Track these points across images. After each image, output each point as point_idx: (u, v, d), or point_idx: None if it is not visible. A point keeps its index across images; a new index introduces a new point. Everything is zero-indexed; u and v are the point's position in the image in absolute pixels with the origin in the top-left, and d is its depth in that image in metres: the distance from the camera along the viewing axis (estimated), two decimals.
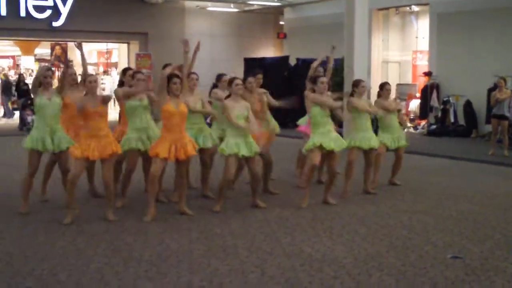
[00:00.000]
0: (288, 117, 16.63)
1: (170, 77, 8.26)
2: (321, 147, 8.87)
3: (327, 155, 9.07)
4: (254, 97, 9.57)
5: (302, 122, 10.81)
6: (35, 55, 32.41)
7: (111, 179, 8.20)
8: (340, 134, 9.88)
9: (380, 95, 10.45)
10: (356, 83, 9.95)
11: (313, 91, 9.15)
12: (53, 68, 23.11)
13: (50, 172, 9.30)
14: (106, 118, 8.13)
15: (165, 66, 9.01)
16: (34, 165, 8.50)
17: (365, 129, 9.79)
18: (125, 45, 26.28)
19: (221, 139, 9.21)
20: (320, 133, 8.92)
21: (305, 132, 10.11)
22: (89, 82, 8.14)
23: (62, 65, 27.37)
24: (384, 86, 10.49)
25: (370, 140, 9.78)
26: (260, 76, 9.95)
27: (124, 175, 8.98)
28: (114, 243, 7.10)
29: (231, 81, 8.87)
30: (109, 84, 27.50)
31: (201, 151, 9.27)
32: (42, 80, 8.59)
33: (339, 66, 18.25)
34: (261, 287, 5.78)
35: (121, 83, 9.65)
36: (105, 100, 8.13)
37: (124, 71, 9.86)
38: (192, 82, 9.26)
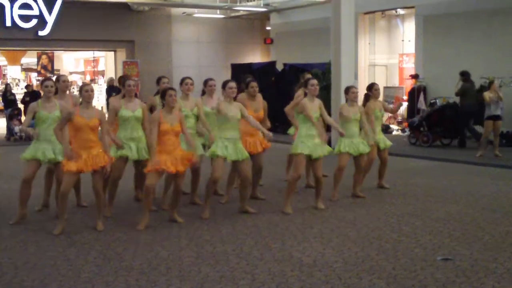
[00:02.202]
0: (277, 122, 16.67)
1: (165, 91, 8.21)
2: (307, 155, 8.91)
3: (312, 161, 9.10)
4: (258, 102, 9.62)
5: (292, 131, 10.81)
6: (21, 65, 32.31)
7: (102, 188, 8.17)
8: (329, 139, 9.92)
9: (369, 96, 10.45)
10: (347, 90, 9.96)
11: (305, 94, 9.21)
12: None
13: (51, 180, 9.22)
14: (97, 131, 8.03)
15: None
16: (27, 172, 8.40)
17: (353, 135, 9.79)
18: (112, 53, 26.27)
19: (203, 146, 9.29)
20: (305, 136, 8.94)
21: None
22: (85, 91, 7.96)
23: (49, 74, 27.32)
24: (372, 87, 10.51)
25: (359, 146, 9.79)
26: (254, 84, 9.88)
27: (110, 184, 8.93)
28: (104, 252, 7.08)
29: (224, 84, 8.85)
30: (96, 92, 27.44)
31: None
32: (44, 90, 8.55)
33: (326, 70, 18.33)
34: None
35: (118, 91, 9.65)
36: (101, 117, 8.03)
37: (120, 80, 9.86)
38: (186, 87, 9.27)
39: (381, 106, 10.52)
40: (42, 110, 8.44)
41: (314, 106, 9.07)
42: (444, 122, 17.12)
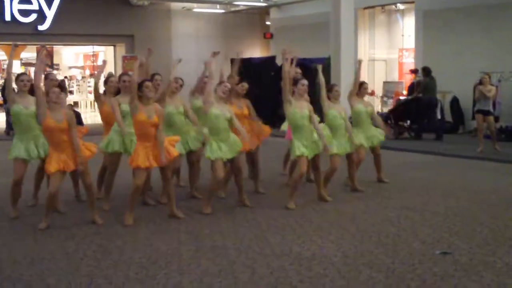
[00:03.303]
0: (276, 116, 16.64)
1: (142, 82, 8.10)
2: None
3: (312, 158, 9.09)
4: (243, 101, 9.65)
5: (285, 127, 10.74)
6: (21, 59, 32.27)
7: (91, 181, 8.09)
8: None
9: (357, 94, 10.41)
10: (330, 88, 9.81)
11: (293, 92, 9.14)
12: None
13: (41, 178, 9.21)
14: (68, 133, 7.75)
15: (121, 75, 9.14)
16: (19, 173, 8.39)
17: (339, 135, 9.62)
18: (111, 48, 26.23)
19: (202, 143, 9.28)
20: (300, 138, 8.91)
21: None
22: (52, 93, 7.77)
23: (48, 69, 27.28)
24: (362, 86, 10.49)
25: (346, 146, 9.65)
26: (245, 85, 9.91)
27: (107, 178, 8.94)
28: (104, 246, 7.09)
29: (219, 84, 8.85)
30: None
31: (188, 152, 9.32)
32: (18, 85, 8.47)
33: (325, 65, 18.30)
34: (251, 287, 5.79)
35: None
36: (70, 119, 7.78)
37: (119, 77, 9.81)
38: (174, 85, 9.26)
39: (367, 103, 10.50)
40: (18, 104, 8.35)
41: (301, 105, 8.97)
42: (410, 115, 17.94)
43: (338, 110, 9.64)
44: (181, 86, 9.45)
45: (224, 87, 8.73)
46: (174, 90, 9.25)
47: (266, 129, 10.13)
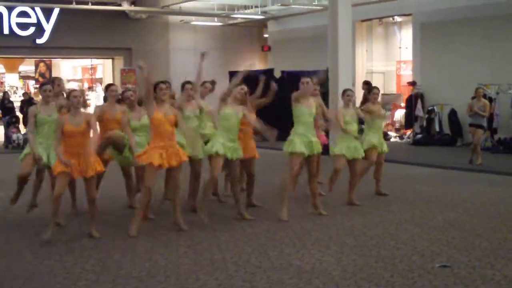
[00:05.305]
0: (282, 130, 16.62)
1: (156, 84, 8.26)
2: (302, 153, 8.91)
3: (306, 160, 9.09)
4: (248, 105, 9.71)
5: None
6: (19, 73, 32.31)
7: (95, 196, 8.10)
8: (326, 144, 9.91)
9: (368, 100, 10.56)
10: (342, 93, 10.03)
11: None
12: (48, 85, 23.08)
13: (39, 185, 9.24)
14: (88, 136, 7.98)
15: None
16: (27, 168, 8.52)
17: (349, 138, 9.73)
18: (109, 61, 26.27)
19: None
20: (301, 134, 8.95)
21: None
22: (73, 97, 7.94)
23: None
24: (371, 91, 10.60)
25: (354, 150, 9.78)
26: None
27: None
28: (102, 260, 7.06)
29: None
30: (94, 100, 27.47)
31: (192, 162, 9.30)
32: (42, 95, 8.62)
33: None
34: None
35: (105, 99, 9.74)
36: (89, 120, 7.97)
37: (107, 87, 9.92)
38: (161, 92, 9.32)
39: (379, 108, 10.58)
40: (41, 113, 8.53)
41: (309, 103, 9.04)
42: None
43: (351, 114, 9.72)
44: (167, 89, 9.49)
45: (241, 89, 8.84)
46: (162, 98, 9.29)
47: (253, 152, 9.70)
